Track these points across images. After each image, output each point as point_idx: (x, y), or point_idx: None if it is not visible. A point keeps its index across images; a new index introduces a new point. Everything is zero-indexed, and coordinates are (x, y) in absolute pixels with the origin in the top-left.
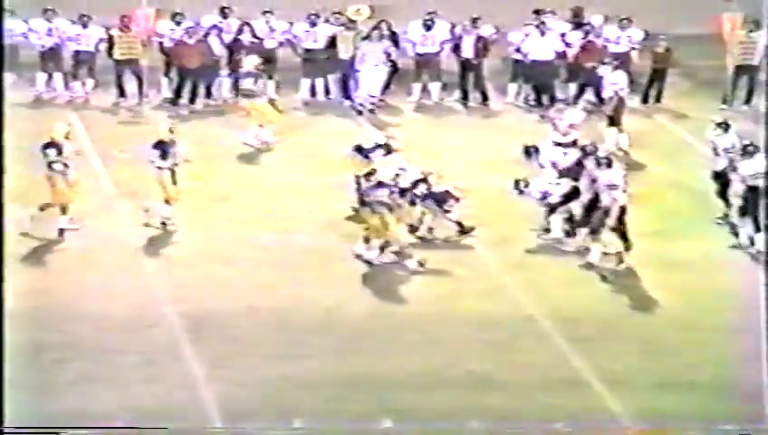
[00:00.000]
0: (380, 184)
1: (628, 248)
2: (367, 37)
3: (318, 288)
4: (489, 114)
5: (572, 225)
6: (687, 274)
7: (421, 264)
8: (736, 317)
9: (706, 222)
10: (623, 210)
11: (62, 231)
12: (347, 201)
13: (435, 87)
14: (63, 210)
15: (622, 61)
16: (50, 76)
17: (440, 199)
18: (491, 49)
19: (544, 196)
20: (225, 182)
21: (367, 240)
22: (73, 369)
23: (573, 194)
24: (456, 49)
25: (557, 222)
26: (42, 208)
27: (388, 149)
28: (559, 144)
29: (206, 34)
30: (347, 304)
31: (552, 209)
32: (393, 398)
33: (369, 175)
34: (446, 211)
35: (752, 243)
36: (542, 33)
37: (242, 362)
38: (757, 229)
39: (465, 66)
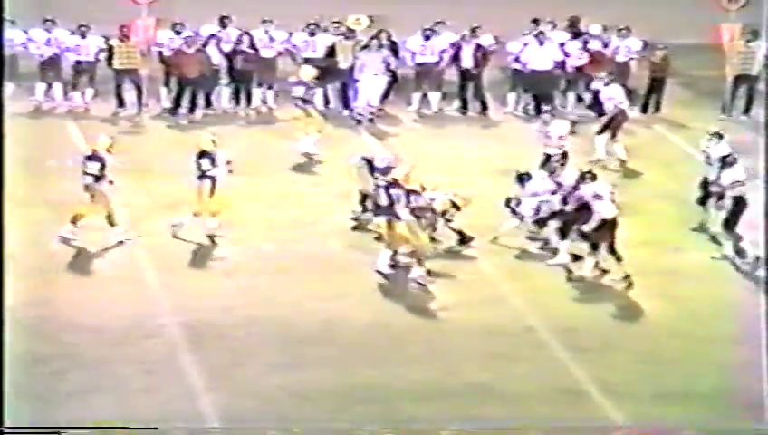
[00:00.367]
0: (415, 192)
1: (619, 260)
2: (366, 47)
3: (318, 299)
4: (488, 124)
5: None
6: (686, 284)
7: (428, 273)
8: (735, 327)
9: (704, 232)
10: (614, 223)
11: (65, 239)
12: (347, 211)
13: (434, 97)
14: (75, 221)
15: (621, 71)
16: (49, 86)
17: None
18: (490, 59)
19: (537, 211)
20: (225, 192)
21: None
22: (72, 379)
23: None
24: (456, 59)
25: (564, 247)
26: (73, 221)
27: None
28: (549, 156)
29: (205, 44)
30: (347, 314)
31: (541, 222)
32: (393, 408)
33: (394, 185)
34: (448, 220)
35: (741, 254)
36: (541, 43)
37: (241, 373)
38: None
39: (465, 76)
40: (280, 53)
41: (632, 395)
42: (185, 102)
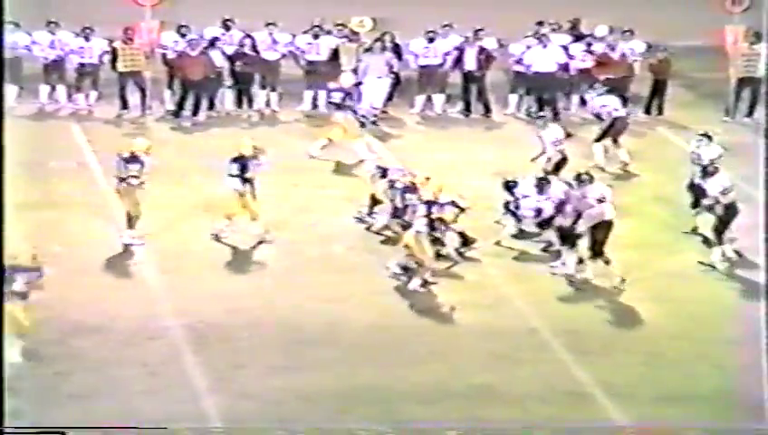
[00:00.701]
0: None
1: (607, 262)
2: (369, 49)
3: (321, 300)
4: (491, 126)
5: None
6: (686, 286)
7: (425, 282)
8: (735, 328)
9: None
10: (610, 225)
11: (126, 246)
12: (350, 213)
13: (438, 99)
14: (131, 224)
15: (625, 75)
16: (53, 88)
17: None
18: (493, 61)
19: (538, 213)
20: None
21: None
22: (76, 381)
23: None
24: (459, 61)
25: (571, 257)
26: (130, 226)
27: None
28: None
29: (209, 46)
30: (350, 316)
31: (544, 224)
32: (396, 410)
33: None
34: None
35: (729, 259)
36: (545, 46)
37: (245, 374)
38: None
39: (468, 78)
40: (283, 56)
41: (634, 397)
42: (188, 105)
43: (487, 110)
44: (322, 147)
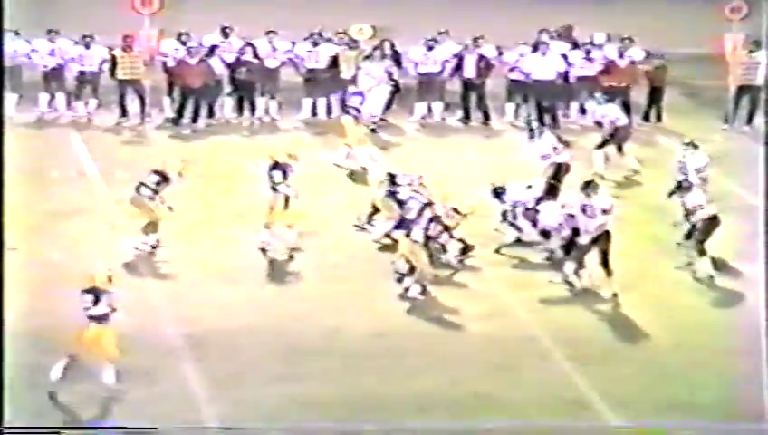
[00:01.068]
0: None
1: (609, 274)
2: (369, 57)
3: (320, 309)
4: (491, 134)
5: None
6: (687, 295)
7: (425, 290)
8: (736, 338)
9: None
10: (609, 236)
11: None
12: (350, 221)
13: (437, 106)
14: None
15: (628, 84)
16: (52, 96)
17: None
18: (493, 69)
19: (534, 223)
20: (228, 202)
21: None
22: (74, 389)
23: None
24: (458, 69)
25: (570, 266)
26: (146, 232)
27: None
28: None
29: (209, 54)
30: (349, 324)
31: (546, 233)
32: (395, 419)
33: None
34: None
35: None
36: (544, 53)
37: (244, 383)
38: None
39: (467, 86)
40: (283, 63)
41: (634, 405)
42: (188, 112)
43: (486, 117)
44: (347, 155)
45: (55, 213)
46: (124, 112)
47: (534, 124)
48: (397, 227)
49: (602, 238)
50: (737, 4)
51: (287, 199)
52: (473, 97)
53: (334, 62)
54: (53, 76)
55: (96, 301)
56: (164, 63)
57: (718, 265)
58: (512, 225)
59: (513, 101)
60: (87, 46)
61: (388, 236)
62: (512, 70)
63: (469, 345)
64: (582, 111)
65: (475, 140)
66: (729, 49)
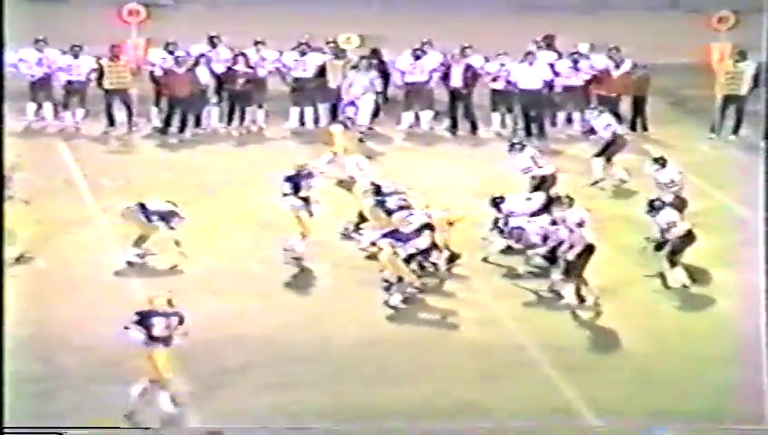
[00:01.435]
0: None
1: (585, 284)
2: (355, 67)
3: (308, 317)
4: (478, 143)
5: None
6: (675, 302)
7: (407, 299)
8: (727, 345)
9: (697, 253)
10: (592, 249)
11: (128, 263)
12: (337, 229)
13: (425, 116)
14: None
15: (619, 93)
16: (39, 106)
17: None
18: (480, 78)
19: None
20: (213, 211)
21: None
22: (62, 398)
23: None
24: (445, 78)
25: (556, 274)
26: (137, 244)
27: (403, 199)
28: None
29: (196, 64)
30: (336, 333)
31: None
32: (382, 427)
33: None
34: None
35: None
36: (531, 63)
37: (230, 392)
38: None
39: (455, 95)
40: (270, 73)
41: (622, 414)
42: (175, 122)
43: (474, 127)
44: (328, 162)
45: (42, 222)
46: (111, 122)
47: (515, 139)
48: (385, 235)
49: (586, 251)
50: (725, 14)
51: (309, 209)
52: (460, 106)
53: (322, 71)
54: (41, 85)
55: (154, 324)
56: (151, 73)
57: (695, 274)
58: (501, 233)
59: (499, 110)
60: (75, 56)
61: (374, 244)
62: (494, 80)
63: (456, 354)
64: (569, 120)
65: (462, 149)
66: (716, 58)
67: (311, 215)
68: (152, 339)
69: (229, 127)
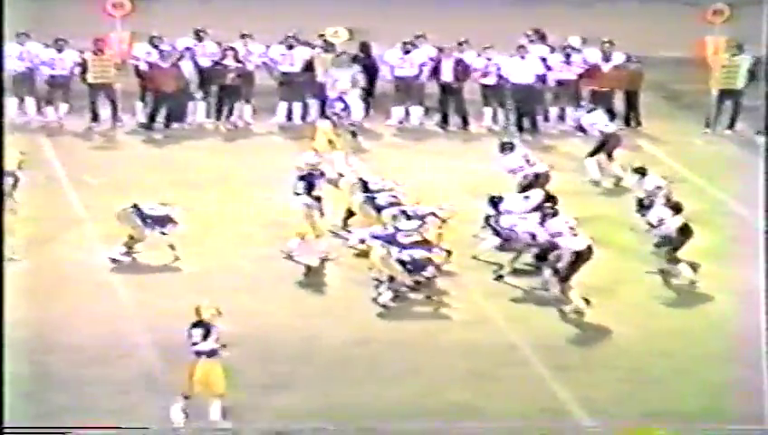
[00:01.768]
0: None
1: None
2: (339, 62)
3: (296, 316)
4: (469, 138)
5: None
6: (668, 301)
7: (396, 296)
8: (722, 345)
9: (692, 249)
10: (588, 254)
11: (113, 260)
12: (325, 227)
13: (416, 111)
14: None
15: (612, 88)
16: (21, 100)
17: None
18: (471, 73)
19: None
20: (201, 208)
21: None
22: (48, 400)
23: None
24: (436, 72)
25: (548, 272)
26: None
27: (394, 196)
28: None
29: (180, 57)
30: (326, 332)
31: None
32: (372, 428)
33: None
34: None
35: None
36: (522, 57)
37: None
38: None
39: (445, 90)
40: (257, 67)
41: (615, 413)
42: (160, 117)
43: (465, 122)
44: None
45: (24, 219)
46: (95, 117)
47: (506, 138)
48: (377, 237)
49: (581, 259)
50: (719, 7)
51: (321, 209)
52: (451, 101)
53: (309, 65)
54: (23, 80)
55: (206, 335)
56: (136, 67)
57: (696, 269)
58: (493, 229)
59: (490, 105)
60: (59, 50)
61: (363, 242)
62: (484, 76)
63: (447, 353)
64: (562, 116)
65: (453, 145)
66: (710, 52)
67: (322, 215)
68: (198, 352)
69: (217, 122)
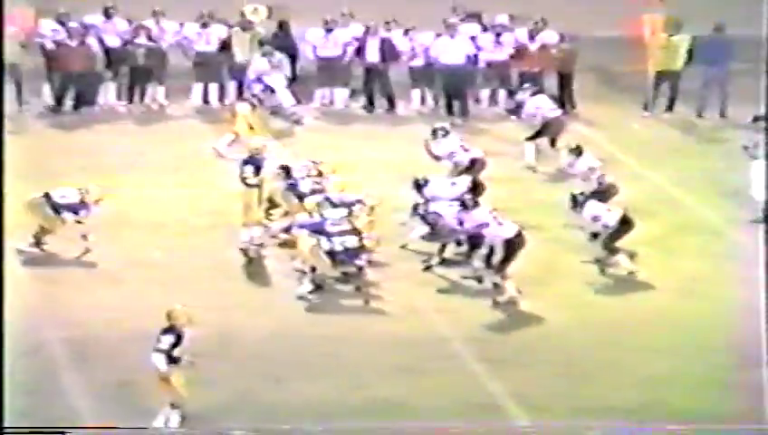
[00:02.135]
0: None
1: (504, 278)
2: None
3: (213, 309)
4: (397, 122)
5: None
6: (604, 291)
7: (318, 287)
8: (664, 337)
9: (629, 237)
10: (520, 242)
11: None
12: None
13: (340, 93)
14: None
15: (542, 69)
16: None
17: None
18: (398, 54)
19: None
20: (114, 196)
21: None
22: None
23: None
24: (360, 53)
25: (478, 261)
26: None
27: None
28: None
29: (89, 35)
30: (244, 325)
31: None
32: (292, 426)
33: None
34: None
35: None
36: (452, 36)
37: (130, 392)
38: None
39: (370, 72)
40: (170, 46)
41: (551, 410)
42: (69, 100)
43: (391, 105)
44: (230, 143)
45: None
46: None
47: (438, 125)
48: (303, 225)
49: (515, 246)
50: None
51: (261, 196)
52: (376, 83)
53: (226, 44)
54: None
55: (177, 343)
56: (42, 46)
57: (633, 258)
58: (422, 217)
59: (418, 87)
60: None
61: (287, 231)
62: (412, 57)
63: (371, 347)
64: (493, 98)
65: (379, 128)
66: (648, 32)
67: (260, 203)
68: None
69: (129, 105)
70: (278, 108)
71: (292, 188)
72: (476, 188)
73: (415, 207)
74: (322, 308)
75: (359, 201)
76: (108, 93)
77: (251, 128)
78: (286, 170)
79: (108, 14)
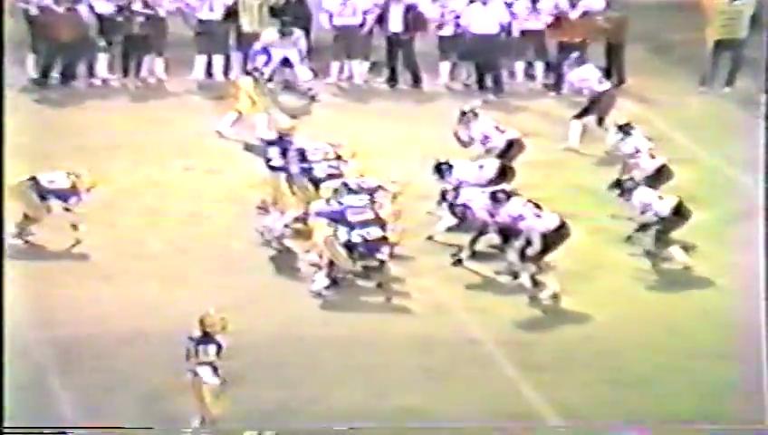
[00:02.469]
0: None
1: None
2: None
3: (218, 307)
4: (422, 99)
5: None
6: (660, 288)
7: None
8: (715, 341)
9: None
10: (563, 233)
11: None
12: (252, 203)
13: (359, 66)
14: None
15: (583, 39)
16: None
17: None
18: (425, 23)
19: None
20: (108, 180)
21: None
22: None
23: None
24: (382, 21)
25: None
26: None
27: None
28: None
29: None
30: (253, 326)
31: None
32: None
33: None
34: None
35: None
36: (485, 3)
37: (123, 398)
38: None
39: (393, 42)
40: (170, 13)
41: (592, 419)
42: (56, 72)
43: (416, 79)
44: (233, 123)
45: None
46: None
47: (466, 107)
48: (321, 213)
49: (554, 238)
50: None
51: (291, 180)
52: (400, 55)
53: (233, 11)
54: None
55: (219, 351)
56: (26, 11)
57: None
58: (451, 208)
59: (448, 60)
60: None
61: (299, 220)
62: (440, 27)
63: (397, 350)
64: (530, 72)
65: (403, 106)
66: None
67: (291, 188)
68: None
69: (124, 79)
70: (291, 83)
71: (307, 172)
72: (505, 173)
73: (443, 195)
74: (340, 306)
75: (380, 187)
76: (99, 65)
77: (254, 103)
78: (301, 153)
79: None
